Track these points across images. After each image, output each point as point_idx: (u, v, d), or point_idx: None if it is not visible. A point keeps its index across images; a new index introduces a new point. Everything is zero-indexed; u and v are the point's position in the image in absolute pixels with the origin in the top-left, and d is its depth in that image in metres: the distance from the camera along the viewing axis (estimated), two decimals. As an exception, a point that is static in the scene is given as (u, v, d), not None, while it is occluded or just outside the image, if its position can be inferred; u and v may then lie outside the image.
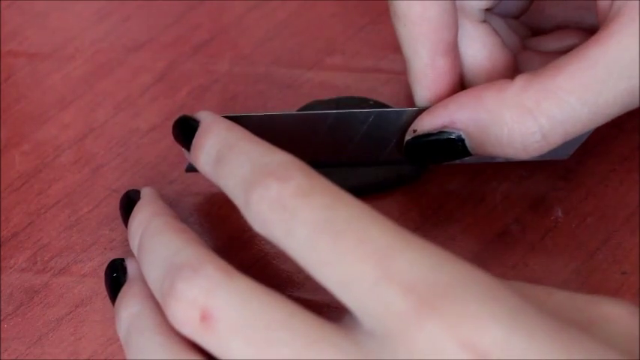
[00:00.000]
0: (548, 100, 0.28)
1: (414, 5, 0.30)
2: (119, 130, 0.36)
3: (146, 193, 0.31)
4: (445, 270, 0.22)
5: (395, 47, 0.32)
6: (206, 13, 0.40)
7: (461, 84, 0.32)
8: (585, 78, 0.28)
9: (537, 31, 0.35)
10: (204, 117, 0.29)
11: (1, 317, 0.31)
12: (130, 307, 0.27)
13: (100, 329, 0.30)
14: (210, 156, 0.28)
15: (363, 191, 0.32)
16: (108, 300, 0.29)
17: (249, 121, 0.30)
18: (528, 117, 0.28)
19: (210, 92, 0.37)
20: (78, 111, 0.37)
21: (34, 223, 0.33)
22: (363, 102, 0.35)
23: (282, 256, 0.27)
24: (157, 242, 0.27)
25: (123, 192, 0.32)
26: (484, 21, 0.32)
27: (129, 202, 0.31)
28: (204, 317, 0.24)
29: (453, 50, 0.31)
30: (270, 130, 0.30)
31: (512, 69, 0.32)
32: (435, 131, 0.30)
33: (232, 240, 0.32)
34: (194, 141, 0.29)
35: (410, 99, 0.33)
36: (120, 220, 0.32)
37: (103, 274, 0.30)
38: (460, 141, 0.30)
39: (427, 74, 0.31)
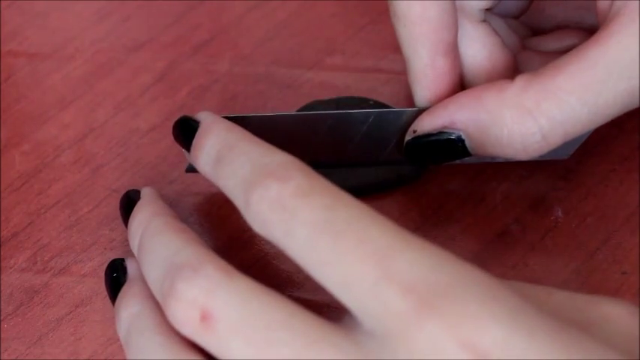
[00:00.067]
0: (548, 101, 0.28)
1: (414, 5, 0.30)
2: (119, 130, 0.36)
3: (146, 193, 0.31)
4: (445, 270, 0.22)
5: (395, 47, 0.32)
6: (206, 13, 0.40)
7: (461, 84, 0.32)
8: (585, 78, 0.28)
9: (537, 31, 0.35)
10: (205, 117, 0.29)
11: (1, 317, 0.31)
12: (130, 307, 0.27)
13: (100, 329, 0.30)
14: (210, 156, 0.28)
15: (363, 191, 0.32)
16: (108, 300, 0.29)
17: (249, 121, 0.30)
18: (528, 117, 0.28)
19: (210, 92, 0.37)
20: (78, 111, 0.37)
21: (34, 223, 0.33)
22: (363, 102, 0.35)
23: (282, 256, 0.27)
24: (157, 242, 0.27)
25: (123, 192, 0.32)
26: (484, 21, 0.32)
27: (129, 202, 0.31)
28: (204, 317, 0.24)
29: (453, 50, 0.31)
30: (270, 130, 0.30)
31: (512, 69, 0.32)
32: (435, 132, 0.30)
33: (232, 240, 0.32)
34: (194, 141, 0.29)
35: (410, 99, 0.33)
36: (120, 220, 0.32)
37: (103, 274, 0.30)
38: (460, 141, 0.30)
39: (427, 74, 0.31)
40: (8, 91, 0.38)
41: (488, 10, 0.32)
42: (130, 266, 0.29)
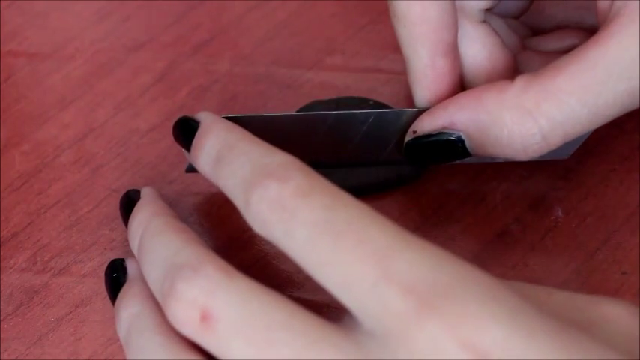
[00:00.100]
0: (548, 102, 0.28)
1: (414, 6, 0.30)
2: (119, 130, 0.36)
3: (146, 193, 0.31)
4: (445, 270, 0.22)
5: (395, 47, 0.32)
6: (206, 13, 0.40)
7: (461, 84, 0.32)
8: (585, 79, 0.28)
9: (537, 31, 0.35)
10: (204, 118, 0.29)
11: (1, 317, 0.31)
12: (130, 307, 0.27)
13: (100, 329, 0.30)
14: (210, 157, 0.28)
15: (363, 191, 0.32)
16: (108, 300, 0.29)
17: (248, 121, 0.30)
18: (528, 118, 0.28)
19: (210, 92, 0.37)
20: (78, 111, 0.37)
21: (34, 223, 0.33)
22: (363, 102, 0.35)
23: (282, 256, 0.27)
24: (157, 242, 0.27)
25: (123, 192, 0.32)
26: (484, 21, 0.32)
27: (129, 202, 0.31)
28: (204, 317, 0.24)
29: (453, 51, 0.31)
30: (270, 130, 0.30)
31: (512, 69, 0.32)
32: (435, 132, 0.30)
33: (232, 240, 0.32)
34: (194, 142, 0.29)
35: (410, 99, 0.33)
36: (120, 220, 0.32)
37: (103, 274, 0.30)
38: (460, 142, 0.30)
39: (427, 75, 0.31)
40: (8, 91, 0.38)
41: (488, 10, 0.32)
42: (130, 266, 0.29)
